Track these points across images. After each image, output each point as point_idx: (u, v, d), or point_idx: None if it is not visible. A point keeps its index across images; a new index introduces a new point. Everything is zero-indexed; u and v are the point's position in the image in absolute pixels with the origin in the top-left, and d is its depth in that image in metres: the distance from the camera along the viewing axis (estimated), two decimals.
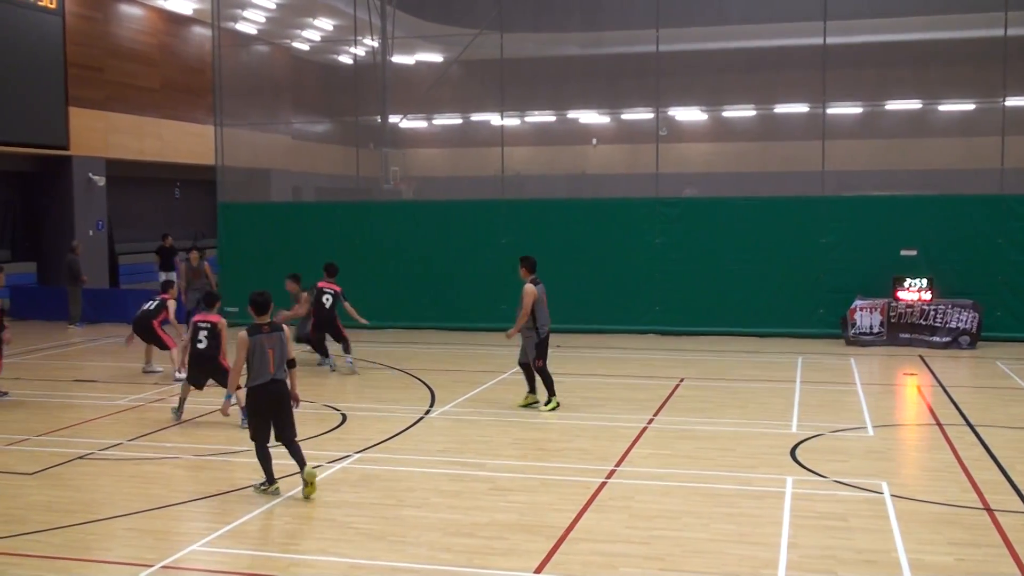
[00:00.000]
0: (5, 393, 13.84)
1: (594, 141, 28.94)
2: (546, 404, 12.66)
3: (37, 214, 26.72)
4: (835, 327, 18.66)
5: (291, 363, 9.13)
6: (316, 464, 9.94)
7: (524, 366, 12.82)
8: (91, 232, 26.66)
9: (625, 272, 19.93)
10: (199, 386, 12.44)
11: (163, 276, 26.10)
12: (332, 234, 21.43)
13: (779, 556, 7.39)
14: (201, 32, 30.94)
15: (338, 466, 10.00)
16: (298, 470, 8.96)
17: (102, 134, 27.00)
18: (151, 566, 7.26)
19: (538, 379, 12.79)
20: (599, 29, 27.04)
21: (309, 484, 8.85)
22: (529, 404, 12.78)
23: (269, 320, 9.14)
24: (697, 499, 8.83)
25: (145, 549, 7.66)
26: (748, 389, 14.11)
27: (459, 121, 30.76)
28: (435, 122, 30.70)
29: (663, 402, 13.16)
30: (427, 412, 12.63)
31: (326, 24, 30.22)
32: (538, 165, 28.13)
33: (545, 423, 12.06)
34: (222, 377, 11.94)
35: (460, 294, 20.70)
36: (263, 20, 29.76)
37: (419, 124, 30.24)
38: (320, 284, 15.83)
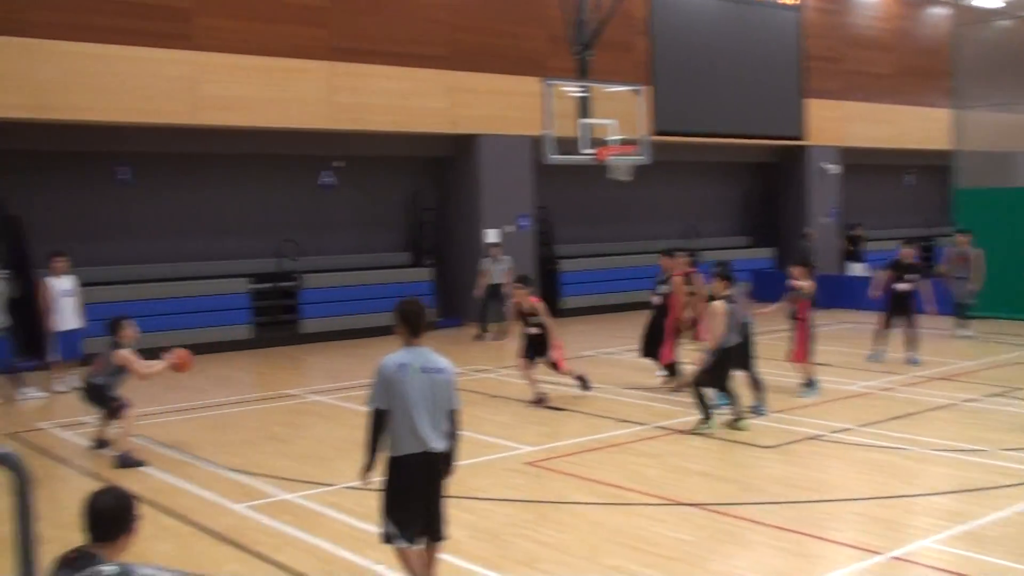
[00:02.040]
0: (811, 384, 13.20)
1: None
2: None
3: (774, 202, 28.19)
4: None
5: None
6: None
7: None
8: (825, 219, 27.40)
9: None
10: None
11: (855, 268, 26.03)
12: None
13: None
14: (938, 12, 29.95)
15: None
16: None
17: (837, 123, 27.55)
18: (880, 554, 7.23)
19: None
20: None
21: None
22: None
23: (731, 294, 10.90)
24: None
25: (875, 536, 7.65)
26: None
27: None
28: None
29: None
30: None
31: None
32: None
33: None
34: None
35: None
36: None
37: None
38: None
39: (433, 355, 6.19)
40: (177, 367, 10.71)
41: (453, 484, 9.10)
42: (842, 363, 15.64)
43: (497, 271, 19.37)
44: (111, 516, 4.21)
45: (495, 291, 19.35)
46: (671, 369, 13.48)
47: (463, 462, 10.03)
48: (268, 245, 19.74)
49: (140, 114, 16.80)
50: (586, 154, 17.85)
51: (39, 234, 16.98)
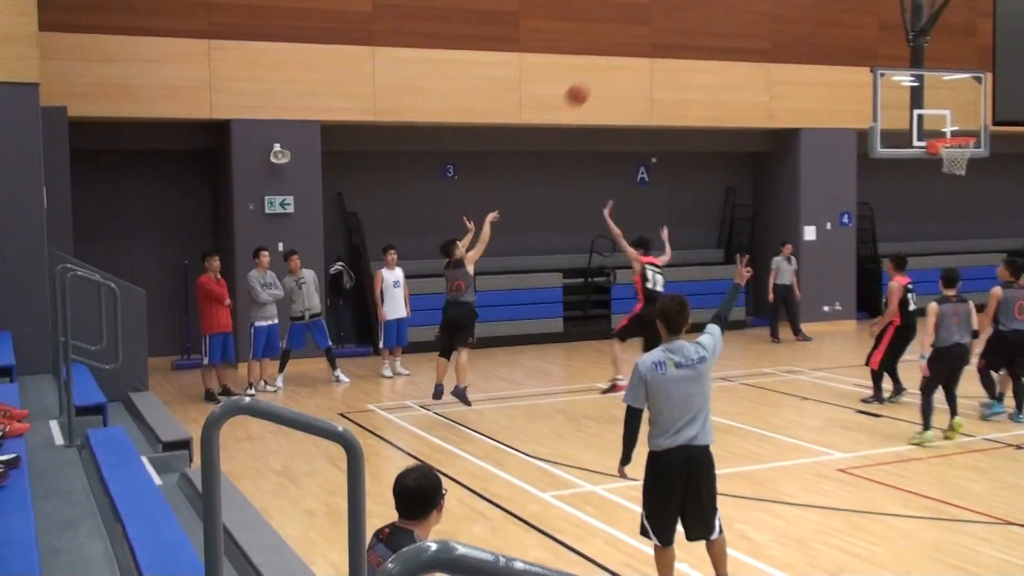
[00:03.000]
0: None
1: None
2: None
3: None
4: None
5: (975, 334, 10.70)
6: None
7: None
8: None
9: None
10: None
11: None
12: None
13: None
14: None
15: None
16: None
17: None
18: None
19: None
20: None
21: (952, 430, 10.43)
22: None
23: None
24: None
25: None
26: None
27: None
28: None
29: None
30: None
31: None
32: None
33: None
34: None
35: None
36: None
37: None
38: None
39: (691, 348, 6.17)
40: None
41: (760, 487, 8.93)
42: None
43: (788, 271, 18.63)
44: (418, 495, 4.45)
45: (787, 291, 18.62)
46: (876, 376, 12.50)
47: (772, 464, 9.83)
48: (583, 241, 20.11)
49: (468, 115, 17.62)
50: (917, 147, 16.82)
51: (372, 228, 18.24)
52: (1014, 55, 20.92)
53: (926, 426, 10.39)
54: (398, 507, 4.42)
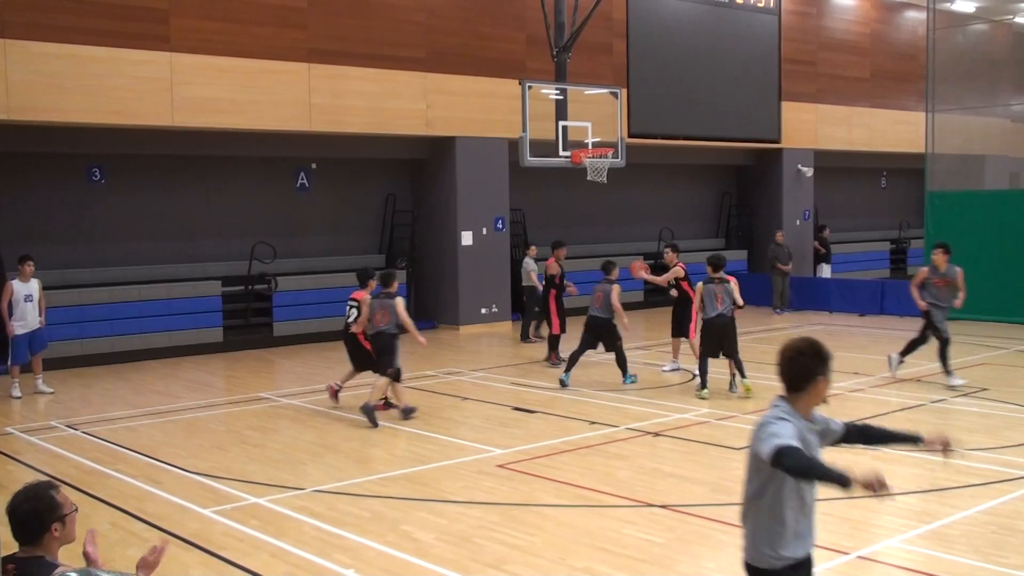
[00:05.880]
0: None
1: None
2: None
3: (749, 205, 28.31)
4: None
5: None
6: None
7: None
8: (798, 222, 27.54)
9: None
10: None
11: (824, 269, 26.18)
12: None
13: None
14: (914, 16, 30.17)
15: None
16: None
17: (812, 126, 27.70)
18: (847, 554, 7.28)
19: None
20: None
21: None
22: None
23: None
24: None
25: (842, 536, 7.69)
26: None
27: None
28: None
29: None
30: None
31: None
32: None
33: None
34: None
35: None
36: None
37: None
38: None
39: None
40: None
41: (424, 487, 9.12)
42: None
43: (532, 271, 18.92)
44: (30, 517, 4.21)
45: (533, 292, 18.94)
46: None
47: (434, 465, 10.08)
48: (243, 248, 19.64)
49: (115, 116, 16.64)
50: (562, 156, 17.86)
51: (7, 236, 16.79)
52: (644, 73, 22.78)
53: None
54: (15, 533, 4.14)
